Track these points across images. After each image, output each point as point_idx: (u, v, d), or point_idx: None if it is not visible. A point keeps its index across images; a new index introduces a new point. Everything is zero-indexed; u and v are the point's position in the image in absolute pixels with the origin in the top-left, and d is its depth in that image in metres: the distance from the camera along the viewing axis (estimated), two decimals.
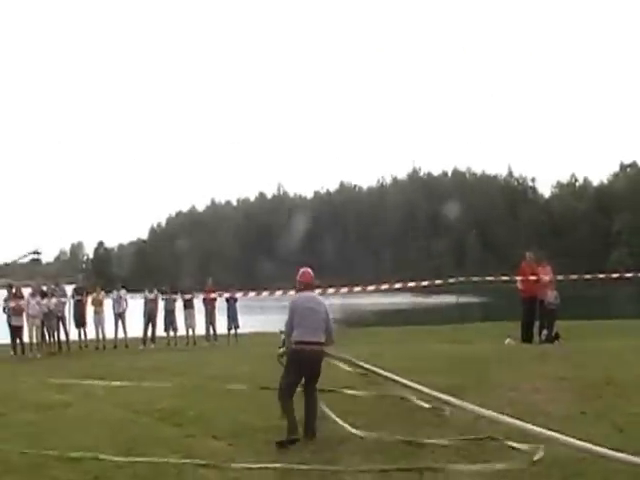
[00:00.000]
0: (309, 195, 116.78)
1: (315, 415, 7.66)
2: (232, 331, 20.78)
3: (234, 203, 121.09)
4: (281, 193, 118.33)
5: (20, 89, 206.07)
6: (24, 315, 18.53)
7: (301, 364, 7.67)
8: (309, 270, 8.18)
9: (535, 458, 6.26)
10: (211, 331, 20.71)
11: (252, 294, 21.29)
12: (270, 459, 6.70)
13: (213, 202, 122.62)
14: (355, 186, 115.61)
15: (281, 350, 8.41)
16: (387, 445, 7.08)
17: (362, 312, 44.32)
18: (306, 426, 7.54)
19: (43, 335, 18.80)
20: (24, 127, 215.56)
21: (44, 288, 19.82)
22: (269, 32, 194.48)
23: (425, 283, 20.91)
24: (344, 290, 19.72)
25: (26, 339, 18.65)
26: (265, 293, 19.88)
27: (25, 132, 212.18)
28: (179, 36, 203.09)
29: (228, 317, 20.80)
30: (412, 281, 20.41)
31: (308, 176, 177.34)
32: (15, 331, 18.60)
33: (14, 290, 19.28)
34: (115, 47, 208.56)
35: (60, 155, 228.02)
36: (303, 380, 7.73)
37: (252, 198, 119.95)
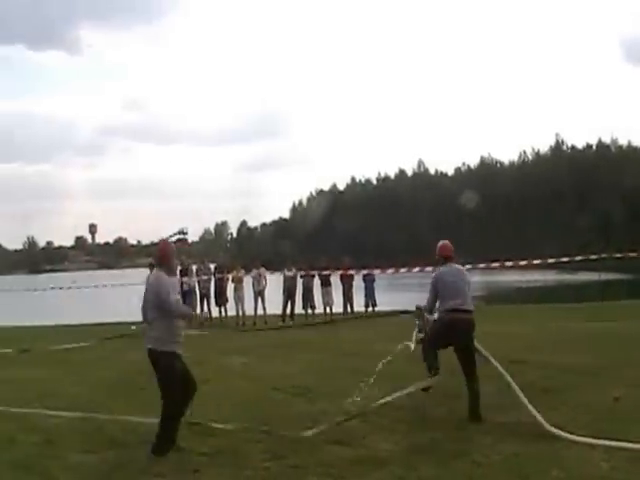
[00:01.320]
0: (450, 171, 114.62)
1: (478, 399, 7.44)
2: (369, 308, 20.80)
3: (374, 181, 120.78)
4: (422, 170, 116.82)
5: None
6: None
7: (456, 332, 7.58)
8: (448, 242, 8.09)
9: None
10: (348, 308, 20.83)
11: (390, 271, 21.18)
12: (401, 436, 6.63)
13: (353, 180, 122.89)
14: (496, 161, 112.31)
15: (420, 335, 8.27)
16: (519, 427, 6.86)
17: (504, 289, 43.29)
18: (471, 411, 7.39)
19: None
20: None
21: (194, 267, 20.66)
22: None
23: (565, 259, 20.04)
24: (482, 266, 19.25)
25: None
26: (403, 270, 19.74)
27: None
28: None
29: (365, 295, 20.85)
30: (551, 257, 19.61)
31: (449, 151, 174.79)
32: None
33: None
34: None
35: None
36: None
37: (392, 175, 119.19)
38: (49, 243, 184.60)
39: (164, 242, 7.63)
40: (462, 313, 7.58)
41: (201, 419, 7.58)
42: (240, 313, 20.19)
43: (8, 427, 7.59)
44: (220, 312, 20.43)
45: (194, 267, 20.90)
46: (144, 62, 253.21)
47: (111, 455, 6.51)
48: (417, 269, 18.80)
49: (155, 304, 6.64)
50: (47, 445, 6.86)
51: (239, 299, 20.33)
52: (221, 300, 20.40)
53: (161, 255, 7.06)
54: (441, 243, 8.09)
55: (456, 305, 7.58)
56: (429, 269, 18.22)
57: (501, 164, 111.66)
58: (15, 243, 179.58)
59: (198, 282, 20.21)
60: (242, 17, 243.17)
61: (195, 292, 19.92)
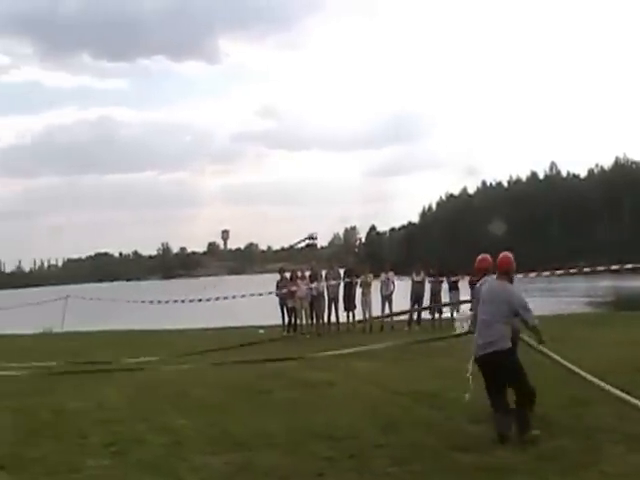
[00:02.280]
0: (582, 173, 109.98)
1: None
2: None
3: (505, 184, 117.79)
4: (554, 172, 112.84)
5: None
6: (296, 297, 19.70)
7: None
8: (484, 256, 8.06)
9: None
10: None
11: (519, 276, 20.57)
12: (527, 444, 6.49)
13: (484, 183, 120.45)
14: (632, 162, 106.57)
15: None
16: None
17: (636, 295, 41.03)
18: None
19: (312, 316, 19.81)
20: None
21: (322, 272, 20.89)
22: None
23: None
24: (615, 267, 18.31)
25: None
26: (532, 274, 19.14)
27: None
28: None
29: None
30: None
31: (581, 153, 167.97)
32: (290, 312, 19.84)
33: (288, 274, 20.60)
34: None
35: None
36: None
37: (524, 178, 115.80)
38: (182, 249, 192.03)
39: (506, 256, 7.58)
40: None
41: (325, 423, 7.66)
42: (367, 317, 20.16)
43: (138, 428, 7.91)
44: (348, 317, 20.49)
45: (323, 272, 21.12)
46: (278, 69, 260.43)
47: (236, 457, 6.64)
48: (547, 273, 18.13)
49: (511, 309, 7.02)
50: (175, 446, 7.09)
51: (367, 304, 20.32)
52: (349, 305, 20.47)
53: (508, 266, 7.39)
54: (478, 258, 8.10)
55: None
56: (560, 272, 17.56)
57: (637, 165, 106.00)
58: (150, 249, 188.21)
59: (327, 287, 20.37)
60: (373, 21, 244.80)
61: (324, 297, 20.10)
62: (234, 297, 24.99)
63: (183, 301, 26.13)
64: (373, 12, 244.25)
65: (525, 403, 6.91)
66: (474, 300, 7.97)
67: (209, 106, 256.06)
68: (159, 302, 26.90)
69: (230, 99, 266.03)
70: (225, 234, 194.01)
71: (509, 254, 7.57)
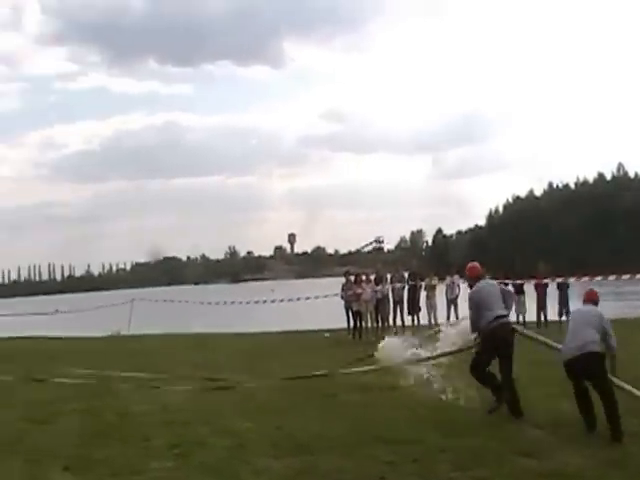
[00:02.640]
0: None
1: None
2: (563, 317, 19.82)
3: (572, 186, 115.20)
4: (621, 173, 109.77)
5: None
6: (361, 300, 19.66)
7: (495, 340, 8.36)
8: (474, 264, 9.25)
9: None
10: (542, 317, 20.03)
11: (585, 279, 20.08)
12: (592, 450, 6.40)
13: (550, 185, 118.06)
14: None
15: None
16: None
17: None
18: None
19: (377, 319, 19.74)
20: None
21: (387, 275, 20.85)
22: None
23: None
24: None
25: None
26: (598, 278, 18.61)
27: None
28: None
29: (559, 303, 19.95)
30: None
31: None
32: (355, 315, 19.81)
33: (353, 277, 20.60)
34: None
35: None
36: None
37: (591, 179, 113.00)
38: (249, 253, 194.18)
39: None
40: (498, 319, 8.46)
41: (388, 426, 7.61)
42: (432, 321, 19.99)
43: (201, 431, 7.98)
44: (412, 320, 20.35)
45: (388, 275, 21.05)
46: (343, 72, 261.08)
47: (297, 461, 6.64)
48: (613, 277, 17.62)
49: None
50: (237, 449, 7.12)
51: (431, 307, 20.15)
52: (413, 308, 20.33)
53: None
54: (468, 266, 9.24)
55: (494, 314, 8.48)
56: (626, 277, 17.01)
57: None
58: (218, 253, 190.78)
59: (392, 290, 20.28)
60: (439, 22, 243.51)
61: (388, 300, 20.04)
62: (298, 299, 25.08)
63: (248, 302, 26.40)
64: (439, 12, 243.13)
65: (615, 407, 7.09)
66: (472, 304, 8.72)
67: (275, 110, 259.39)
68: (224, 303, 27.19)
69: (295, 102, 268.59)
70: (292, 238, 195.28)
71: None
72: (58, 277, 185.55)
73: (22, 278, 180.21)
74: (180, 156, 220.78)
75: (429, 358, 9.49)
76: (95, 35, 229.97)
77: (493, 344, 8.36)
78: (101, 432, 8.01)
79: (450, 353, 9.43)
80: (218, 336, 22.51)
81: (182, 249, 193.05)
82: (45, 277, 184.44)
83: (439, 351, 9.50)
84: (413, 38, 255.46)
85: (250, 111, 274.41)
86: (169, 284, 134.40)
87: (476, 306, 8.64)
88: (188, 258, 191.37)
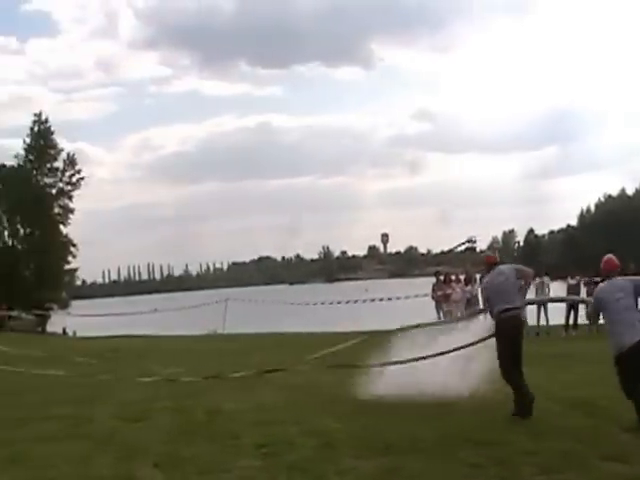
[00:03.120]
0: None
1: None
2: None
3: None
4: None
5: None
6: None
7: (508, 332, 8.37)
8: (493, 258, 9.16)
9: None
10: None
11: None
12: None
13: None
14: None
15: None
16: None
17: None
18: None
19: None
20: None
21: (477, 275, 20.42)
22: None
23: None
24: None
25: None
26: None
27: None
28: None
29: None
30: None
31: None
32: (445, 316, 19.51)
33: (442, 277, 20.33)
34: None
35: None
36: None
37: None
38: (343, 253, 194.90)
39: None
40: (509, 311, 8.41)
41: (476, 428, 7.43)
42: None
43: (290, 431, 7.98)
44: None
45: (477, 276, 20.62)
46: (433, 71, 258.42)
47: (385, 461, 6.55)
48: None
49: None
50: (325, 449, 7.08)
51: None
52: None
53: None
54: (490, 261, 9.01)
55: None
56: None
57: None
58: (312, 253, 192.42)
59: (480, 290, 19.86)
60: (528, 19, 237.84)
61: (478, 300, 19.61)
62: (390, 299, 24.92)
63: (339, 302, 26.42)
64: (528, 8, 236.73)
65: None
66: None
67: (366, 110, 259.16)
68: (314, 304, 27.33)
69: (386, 103, 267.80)
70: (385, 237, 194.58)
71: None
72: (157, 277, 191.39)
73: (122, 278, 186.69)
74: (273, 157, 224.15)
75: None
76: (186, 39, 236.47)
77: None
78: (190, 430, 8.13)
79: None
80: (309, 335, 22.62)
81: (277, 249, 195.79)
82: (144, 277, 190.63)
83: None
84: (502, 35, 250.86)
85: (341, 112, 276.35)
86: (265, 284, 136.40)
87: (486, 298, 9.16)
88: (283, 258, 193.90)
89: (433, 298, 19.85)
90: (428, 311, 20.18)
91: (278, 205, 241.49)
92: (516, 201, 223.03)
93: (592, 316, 8.29)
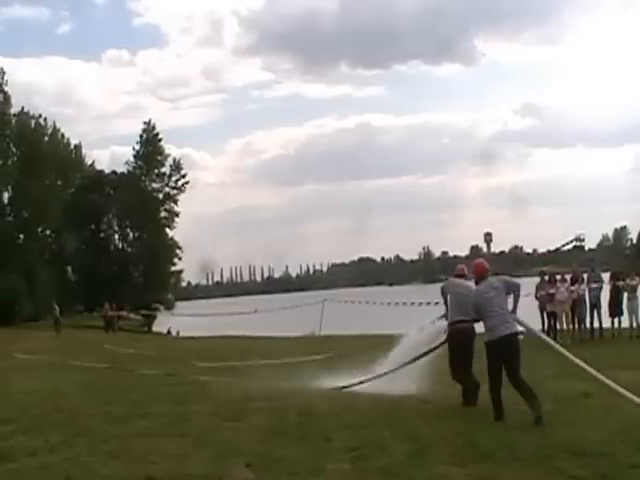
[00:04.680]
0: None
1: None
2: None
3: None
4: None
5: None
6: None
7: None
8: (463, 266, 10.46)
9: None
10: None
11: None
12: None
13: None
14: None
15: None
16: None
17: None
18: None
19: (573, 322, 18.73)
20: None
21: (584, 275, 19.78)
22: None
23: None
24: None
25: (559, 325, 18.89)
26: None
27: None
28: None
29: None
30: None
31: None
32: (549, 317, 18.97)
33: (547, 277, 19.76)
34: None
35: None
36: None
37: None
38: (444, 253, 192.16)
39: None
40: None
41: (576, 438, 7.15)
42: (634, 324, 18.62)
43: (382, 434, 7.92)
44: (612, 323, 19.07)
45: (585, 275, 19.94)
46: (536, 65, 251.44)
47: (478, 469, 6.38)
48: None
49: None
50: (415, 454, 6.98)
51: (632, 309, 18.77)
52: (614, 310, 19.04)
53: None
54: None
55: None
56: None
57: None
58: (411, 254, 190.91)
59: (588, 290, 19.16)
60: (635, 7, 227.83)
61: (585, 301, 18.96)
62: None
63: (437, 303, 25.98)
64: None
65: None
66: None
67: (467, 107, 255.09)
68: (412, 304, 27.07)
69: (488, 99, 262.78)
70: (488, 237, 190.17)
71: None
72: (258, 278, 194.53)
73: (224, 279, 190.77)
74: (373, 157, 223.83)
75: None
76: (288, 43, 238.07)
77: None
78: (283, 431, 8.19)
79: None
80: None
81: (376, 250, 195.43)
82: (246, 278, 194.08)
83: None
84: (609, 26, 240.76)
85: (442, 109, 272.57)
86: (364, 285, 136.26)
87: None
88: (382, 259, 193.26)
89: (537, 298, 19.28)
90: (531, 312, 19.64)
91: (378, 206, 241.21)
92: (629, 196, 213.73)
93: (476, 312, 8.78)
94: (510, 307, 8.66)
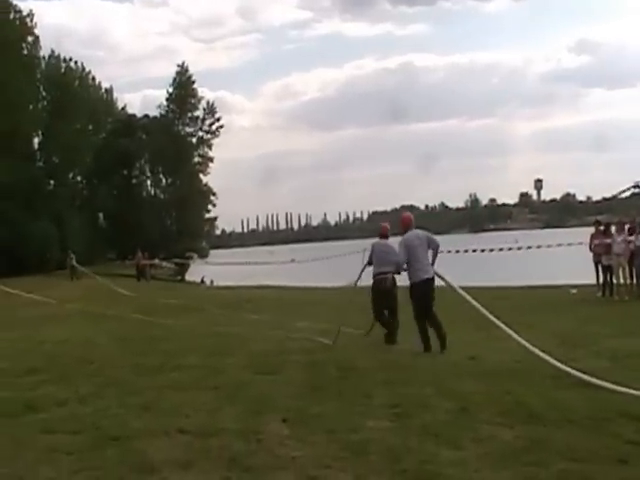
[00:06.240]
0: None
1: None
2: None
3: None
4: None
5: None
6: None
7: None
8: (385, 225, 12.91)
9: None
10: None
11: None
12: None
13: None
14: None
15: None
16: None
17: None
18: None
19: (630, 275, 18.33)
20: None
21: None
22: None
23: None
24: None
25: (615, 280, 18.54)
26: None
27: None
28: None
29: None
30: None
31: None
32: (604, 271, 18.61)
33: (603, 227, 19.37)
34: None
35: None
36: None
37: None
38: (492, 200, 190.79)
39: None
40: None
41: (636, 400, 7.00)
42: None
43: (425, 391, 7.85)
44: None
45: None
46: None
47: (528, 431, 6.25)
48: None
49: None
50: (460, 413, 6.89)
51: None
52: None
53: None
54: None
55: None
56: None
57: None
58: (457, 201, 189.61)
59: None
60: None
61: None
62: (539, 247, 24.07)
63: (483, 251, 25.78)
64: None
65: None
66: None
67: (517, 45, 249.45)
68: (457, 252, 26.86)
69: (540, 36, 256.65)
70: (538, 184, 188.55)
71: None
72: (295, 226, 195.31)
73: (260, 227, 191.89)
74: (416, 100, 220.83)
75: None
76: None
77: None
78: (321, 386, 8.14)
79: None
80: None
81: (420, 197, 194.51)
82: (282, 226, 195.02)
83: None
84: None
85: (490, 48, 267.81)
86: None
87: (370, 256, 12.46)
88: (426, 207, 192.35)
89: (591, 250, 18.91)
90: (585, 264, 19.33)
91: (421, 150, 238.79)
92: None
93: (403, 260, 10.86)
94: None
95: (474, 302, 9.88)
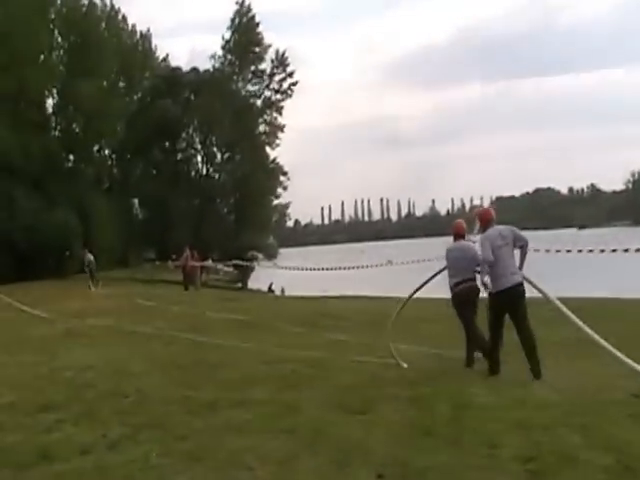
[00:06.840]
0: None
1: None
2: None
3: None
4: None
5: None
6: None
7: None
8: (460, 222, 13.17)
9: None
10: None
11: None
12: None
13: None
14: None
15: None
16: None
17: None
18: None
19: None
20: None
21: None
22: None
23: None
24: None
25: None
26: None
27: None
28: None
29: None
30: None
31: None
32: None
33: None
34: None
35: None
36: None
37: None
38: None
39: None
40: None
41: None
42: None
43: (572, 440, 7.76)
44: None
45: None
46: None
47: None
48: None
49: None
50: (624, 473, 6.79)
51: None
52: None
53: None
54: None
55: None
56: None
57: None
58: (614, 183, 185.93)
59: None
60: None
61: None
62: None
63: None
64: None
65: None
66: None
67: None
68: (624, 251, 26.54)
69: None
70: None
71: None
72: (393, 217, 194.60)
73: (346, 218, 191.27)
74: (554, 45, 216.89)
75: None
76: None
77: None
78: (429, 430, 8.14)
79: None
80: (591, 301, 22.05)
81: (560, 178, 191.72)
82: (376, 217, 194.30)
83: None
84: None
85: None
86: (542, 227, 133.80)
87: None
88: (570, 190, 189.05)
89: None
90: None
91: (561, 114, 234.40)
92: None
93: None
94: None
95: (574, 318, 10.47)
